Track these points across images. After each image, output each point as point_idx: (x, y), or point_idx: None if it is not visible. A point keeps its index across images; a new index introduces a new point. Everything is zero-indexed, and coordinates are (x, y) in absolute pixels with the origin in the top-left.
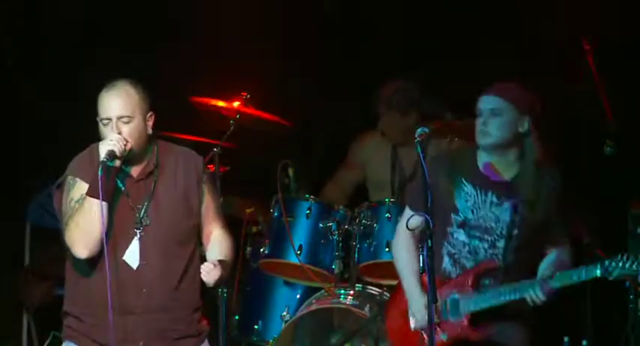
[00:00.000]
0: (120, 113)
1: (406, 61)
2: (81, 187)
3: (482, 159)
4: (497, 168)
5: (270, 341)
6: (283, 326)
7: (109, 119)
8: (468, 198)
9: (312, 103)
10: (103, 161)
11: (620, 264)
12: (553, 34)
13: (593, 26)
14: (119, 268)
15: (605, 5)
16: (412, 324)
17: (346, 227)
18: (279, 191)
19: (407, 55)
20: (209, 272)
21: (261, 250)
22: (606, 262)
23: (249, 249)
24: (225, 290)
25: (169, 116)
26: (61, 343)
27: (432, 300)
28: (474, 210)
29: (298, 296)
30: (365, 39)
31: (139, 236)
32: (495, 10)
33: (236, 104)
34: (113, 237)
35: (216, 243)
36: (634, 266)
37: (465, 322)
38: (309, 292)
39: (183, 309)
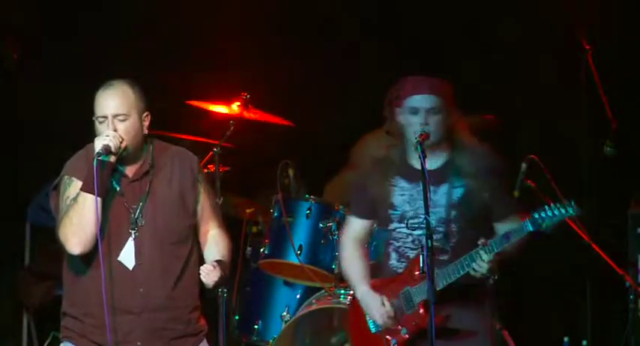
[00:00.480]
0: (116, 111)
1: (406, 61)
2: (77, 186)
3: (414, 155)
4: (427, 159)
5: (270, 341)
6: (283, 326)
7: (105, 117)
8: (403, 193)
9: (313, 103)
10: (97, 153)
11: (550, 213)
12: (553, 34)
13: (593, 26)
14: (115, 268)
15: (605, 5)
16: (372, 328)
17: None
18: (279, 191)
19: (406, 54)
20: (208, 274)
21: (261, 250)
22: (535, 215)
23: (249, 248)
24: (225, 290)
25: (169, 116)
26: (60, 343)
27: (432, 300)
28: (410, 202)
29: (298, 296)
30: (365, 39)
31: (133, 236)
32: (495, 9)
33: (236, 104)
34: (108, 237)
35: (214, 243)
36: (562, 211)
37: (421, 311)
38: (309, 292)
39: (181, 309)
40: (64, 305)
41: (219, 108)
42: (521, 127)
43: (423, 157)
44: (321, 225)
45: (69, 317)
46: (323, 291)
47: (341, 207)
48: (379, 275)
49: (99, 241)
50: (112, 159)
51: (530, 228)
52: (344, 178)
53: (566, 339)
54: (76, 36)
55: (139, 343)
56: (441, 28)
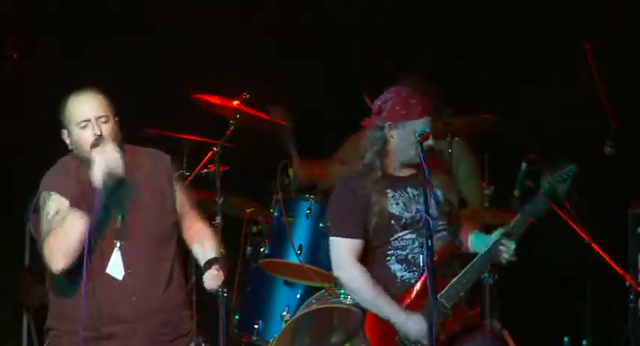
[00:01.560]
0: (98, 113)
1: (406, 61)
2: (57, 201)
3: (396, 163)
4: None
5: (270, 340)
6: (283, 325)
7: (88, 120)
8: (398, 202)
9: (313, 103)
10: (102, 184)
11: (557, 177)
12: (553, 34)
13: (593, 26)
14: (105, 281)
15: (606, 5)
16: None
17: None
18: (279, 191)
19: (407, 54)
20: (213, 279)
21: (261, 250)
22: (545, 184)
23: (249, 248)
24: (225, 290)
25: (169, 116)
26: None
27: (432, 300)
28: (406, 208)
29: (298, 296)
30: (365, 39)
31: (119, 245)
32: (495, 9)
33: (235, 104)
34: (94, 251)
35: (202, 238)
36: (566, 170)
37: (453, 312)
38: (309, 292)
39: (173, 310)
40: (51, 322)
41: (219, 108)
42: (522, 127)
43: (424, 156)
44: (321, 225)
45: (55, 331)
46: (323, 291)
47: None
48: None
49: (85, 257)
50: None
51: (547, 196)
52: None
53: (566, 339)
54: (76, 35)
55: None
56: (441, 27)
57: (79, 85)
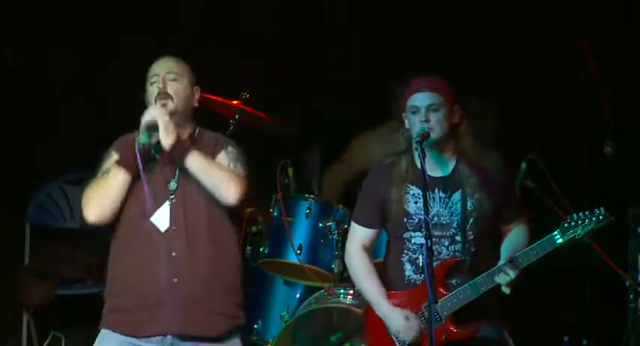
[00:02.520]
0: (169, 69)
1: (406, 61)
2: (112, 157)
3: (419, 159)
4: (436, 164)
5: (270, 340)
6: (283, 325)
7: (157, 75)
8: (417, 200)
9: (313, 103)
10: (144, 129)
11: (580, 222)
12: (553, 34)
13: (593, 26)
14: (149, 234)
15: (606, 5)
16: (398, 344)
17: (346, 226)
18: (279, 191)
19: (407, 54)
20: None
21: (261, 250)
22: (565, 225)
23: (249, 248)
24: None
25: None
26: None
27: (432, 300)
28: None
29: (298, 296)
30: (365, 39)
31: (169, 202)
32: (495, 9)
33: (235, 103)
34: (144, 205)
35: None
36: (594, 219)
37: (449, 324)
38: (308, 292)
39: (220, 302)
40: (107, 299)
41: (220, 107)
42: (522, 127)
43: (423, 157)
44: (320, 225)
45: (110, 302)
46: (323, 291)
47: (340, 206)
48: (389, 284)
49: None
50: (154, 140)
51: (561, 240)
52: (341, 173)
53: (566, 339)
54: (75, 35)
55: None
56: (441, 27)
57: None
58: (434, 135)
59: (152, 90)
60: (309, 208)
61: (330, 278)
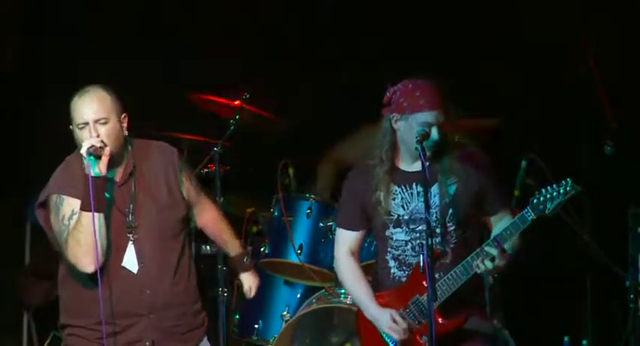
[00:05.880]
0: (96, 116)
1: (406, 61)
2: (69, 203)
3: (405, 157)
4: (412, 158)
5: (271, 340)
6: (283, 325)
7: (86, 123)
8: (395, 197)
9: (312, 103)
10: (87, 154)
11: (549, 196)
12: (553, 34)
13: (593, 26)
14: (120, 275)
15: (606, 5)
16: (390, 343)
17: None
18: (280, 190)
19: (407, 53)
20: (252, 287)
21: (262, 249)
22: (534, 201)
23: (249, 248)
24: (225, 290)
25: (170, 116)
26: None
27: (431, 299)
28: (404, 206)
29: (298, 296)
30: (365, 38)
31: (132, 239)
32: (496, 9)
33: (236, 103)
34: (110, 246)
35: (225, 234)
36: (562, 191)
37: (440, 320)
38: (309, 291)
39: (187, 303)
40: (65, 319)
41: (220, 107)
42: (522, 127)
43: (423, 156)
44: (321, 224)
45: (71, 327)
46: (323, 291)
47: (337, 205)
48: (379, 285)
49: (99, 253)
50: (104, 161)
51: (532, 216)
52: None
53: (566, 339)
54: (75, 35)
55: (147, 343)
56: (441, 28)
57: (82, 82)
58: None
59: (82, 134)
60: (309, 208)
61: (330, 277)
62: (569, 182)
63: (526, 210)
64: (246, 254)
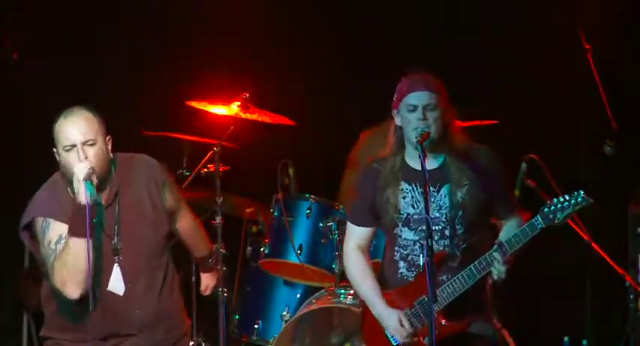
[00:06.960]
0: (84, 138)
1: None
2: (55, 228)
3: (413, 155)
4: (426, 159)
5: (271, 340)
6: (283, 325)
7: (74, 145)
8: (405, 195)
9: (312, 103)
10: (85, 179)
11: (560, 206)
12: (553, 34)
13: (593, 26)
14: (107, 298)
15: (605, 5)
16: (394, 342)
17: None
18: (280, 190)
19: (407, 53)
20: (208, 286)
21: (262, 250)
22: (545, 209)
23: (249, 248)
24: (225, 290)
25: (170, 116)
26: None
27: (431, 300)
28: (414, 205)
29: (298, 296)
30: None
31: (117, 261)
32: (496, 9)
33: (236, 104)
34: (100, 270)
35: (195, 240)
36: (573, 201)
37: (443, 321)
38: (309, 291)
39: (176, 316)
40: (47, 332)
41: (219, 109)
42: (522, 127)
43: (423, 157)
44: (321, 225)
45: (52, 340)
46: (323, 291)
47: (341, 206)
48: (385, 283)
49: (89, 280)
50: (95, 190)
51: (542, 225)
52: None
53: (566, 339)
54: (74, 35)
55: None
56: (441, 28)
57: (76, 89)
58: (432, 135)
59: (69, 157)
60: (309, 208)
61: (330, 278)
62: (581, 193)
63: (536, 218)
64: (211, 256)
